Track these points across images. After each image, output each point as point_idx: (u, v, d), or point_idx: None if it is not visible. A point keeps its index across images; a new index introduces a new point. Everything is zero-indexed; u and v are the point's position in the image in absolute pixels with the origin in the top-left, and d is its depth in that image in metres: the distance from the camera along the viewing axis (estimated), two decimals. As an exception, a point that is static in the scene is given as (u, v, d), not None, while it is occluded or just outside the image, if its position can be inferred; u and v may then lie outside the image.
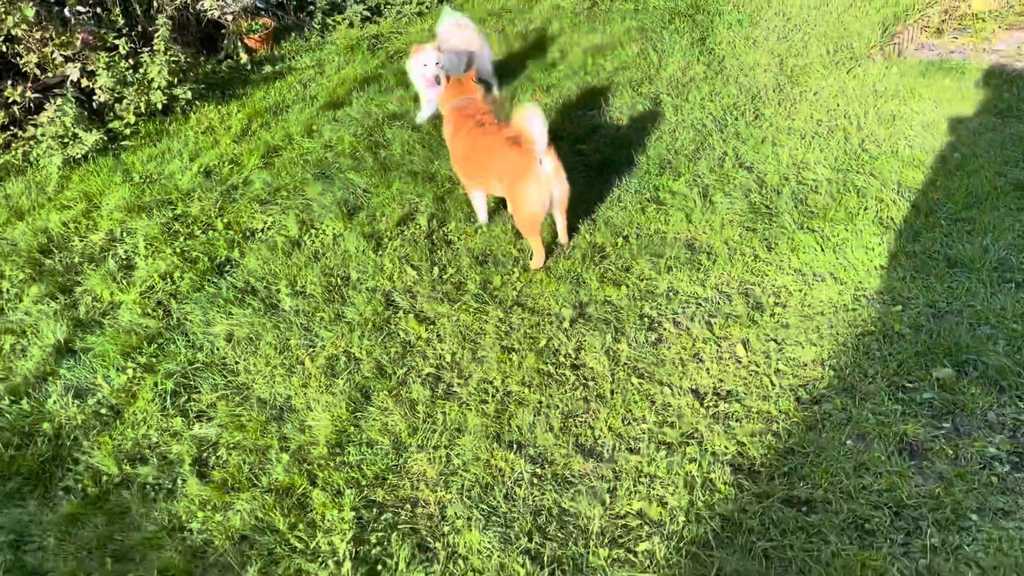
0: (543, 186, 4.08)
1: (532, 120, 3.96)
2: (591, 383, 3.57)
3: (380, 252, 4.69)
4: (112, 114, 6.76)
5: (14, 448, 3.55)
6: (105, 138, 6.46)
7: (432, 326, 4.08)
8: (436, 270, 4.48)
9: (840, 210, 4.46)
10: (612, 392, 3.50)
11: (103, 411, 3.73)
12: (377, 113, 6.49)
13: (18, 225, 5.38)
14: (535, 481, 3.12)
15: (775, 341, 3.65)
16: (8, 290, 4.69)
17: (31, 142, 6.40)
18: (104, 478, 3.38)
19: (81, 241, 5.14)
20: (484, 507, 3.04)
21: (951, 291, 3.74)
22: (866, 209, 4.44)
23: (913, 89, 5.82)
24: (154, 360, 4.04)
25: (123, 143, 6.51)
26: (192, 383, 3.87)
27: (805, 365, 3.49)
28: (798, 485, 2.93)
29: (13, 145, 6.41)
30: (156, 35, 6.94)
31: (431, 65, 5.77)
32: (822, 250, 4.17)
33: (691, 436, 3.22)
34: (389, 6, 8.86)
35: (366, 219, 5.03)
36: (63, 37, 6.62)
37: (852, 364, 3.42)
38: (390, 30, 8.46)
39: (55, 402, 3.81)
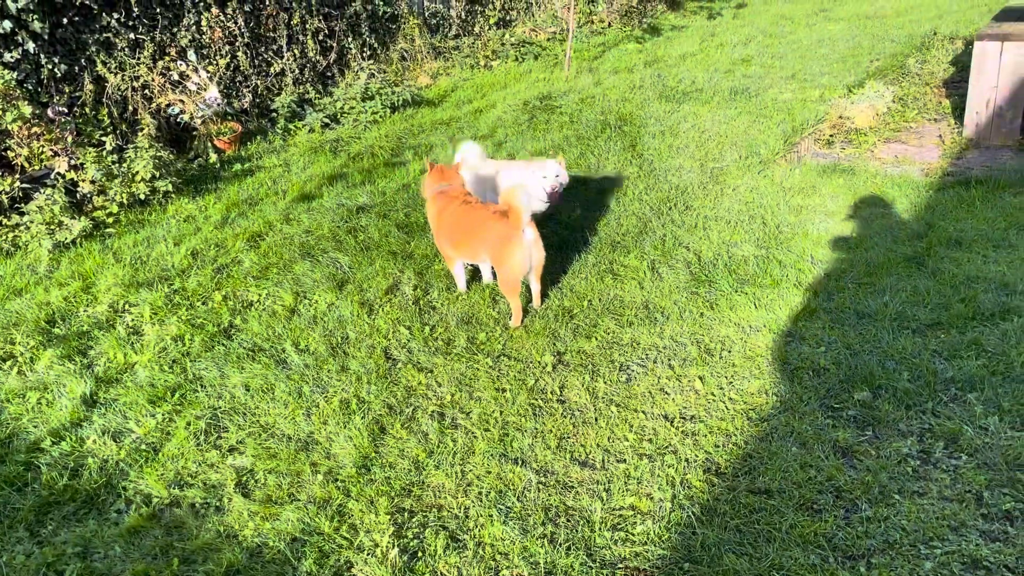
0: (526, 251, 4.82)
1: (517, 196, 4.73)
2: (577, 413, 4.22)
3: (373, 316, 5.29)
4: (92, 205, 7.23)
5: (66, 479, 3.93)
6: (90, 225, 6.91)
7: (430, 374, 4.67)
8: (427, 329, 5.10)
9: (767, 278, 5.33)
10: (596, 419, 4.15)
11: (142, 448, 4.15)
12: (349, 204, 7.17)
13: (17, 300, 5.76)
14: (541, 487, 3.71)
15: (725, 377, 4.40)
16: (22, 354, 5.06)
17: (17, 229, 6.79)
18: (155, 500, 3.79)
19: (85, 312, 5.56)
20: (501, 507, 3.60)
21: (862, 336, 4.59)
22: (787, 277, 5.33)
23: (814, 186, 6.89)
24: (179, 407, 4.49)
25: (107, 230, 6.97)
26: (220, 424, 4.33)
27: (752, 394, 4.23)
28: (758, 479, 3.62)
29: (0, 232, 6.79)
30: (140, 132, 7.54)
31: (551, 177, 5.80)
32: (755, 308, 5.00)
33: (667, 448, 3.89)
34: (346, 114, 9.68)
35: (355, 290, 5.64)
36: (53, 133, 7.14)
37: (790, 391, 4.19)
38: (349, 135, 9.25)
39: (94, 442, 4.20)
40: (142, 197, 7.35)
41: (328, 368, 4.75)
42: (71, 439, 4.23)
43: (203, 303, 5.62)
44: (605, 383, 4.44)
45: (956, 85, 9.62)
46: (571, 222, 6.49)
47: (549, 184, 5.78)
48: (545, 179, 5.78)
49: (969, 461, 3.63)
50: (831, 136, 8.39)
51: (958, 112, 8.48)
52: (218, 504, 3.75)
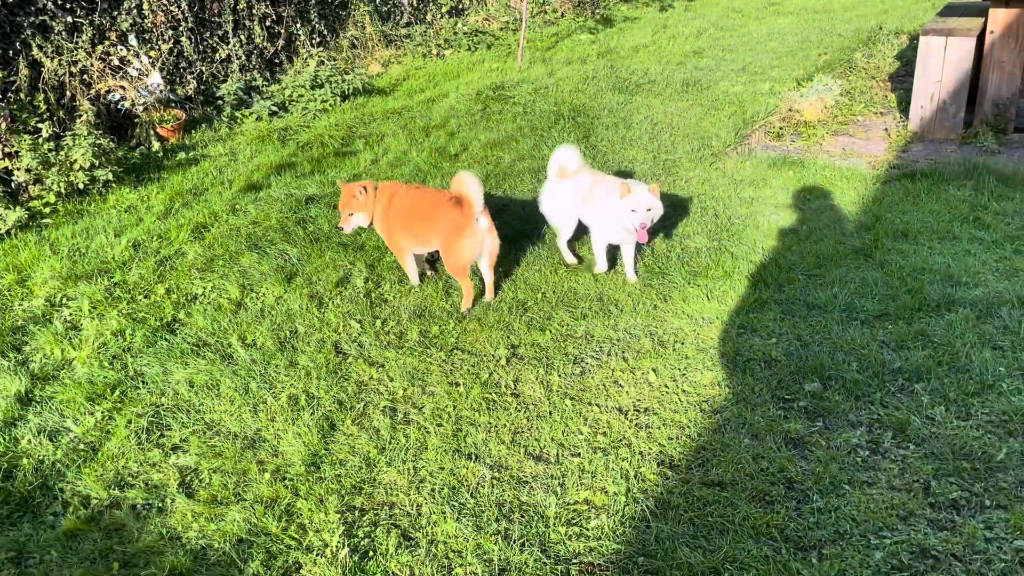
0: (477, 241, 4.76)
1: (470, 184, 4.67)
2: (531, 407, 4.17)
3: (323, 310, 5.18)
4: (27, 195, 6.97)
5: (-2, 480, 3.77)
6: (25, 216, 6.66)
7: (382, 368, 4.58)
8: (379, 323, 5.01)
9: (719, 269, 5.35)
10: (550, 412, 4.11)
11: (80, 447, 4.00)
12: (298, 194, 7.03)
13: (-52, 294, 5.52)
14: (495, 483, 3.66)
15: (679, 369, 4.39)
16: (-47, 350, 4.85)
17: (-53, 219, 6.51)
18: (94, 502, 3.65)
19: (20, 306, 5.35)
20: (455, 503, 3.54)
21: (812, 327, 4.62)
22: (739, 268, 5.35)
23: (765, 179, 6.94)
24: (119, 405, 4.34)
25: (43, 221, 6.73)
26: (162, 422, 4.19)
27: (705, 386, 4.23)
28: (712, 471, 3.61)
29: (-70, 221, 6.51)
30: (79, 119, 7.29)
31: (641, 211, 4.93)
32: (708, 299, 5.01)
33: (621, 441, 3.87)
34: (295, 103, 9.49)
35: (304, 283, 5.52)
36: (-15, 120, 6.86)
37: (742, 383, 4.20)
38: (298, 124, 9.07)
39: (29, 442, 4.04)
40: (81, 187, 7.11)
41: (276, 363, 4.64)
42: (4, 439, 4.06)
43: (145, 296, 5.45)
44: (559, 376, 4.40)
45: (902, 79, 9.77)
46: (525, 214, 6.43)
47: (639, 220, 4.92)
48: (635, 214, 4.92)
49: (916, 451, 3.67)
50: (781, 129, 8.46)
51: (903, 106, 8.62)
52: (160, 505, 3.63)
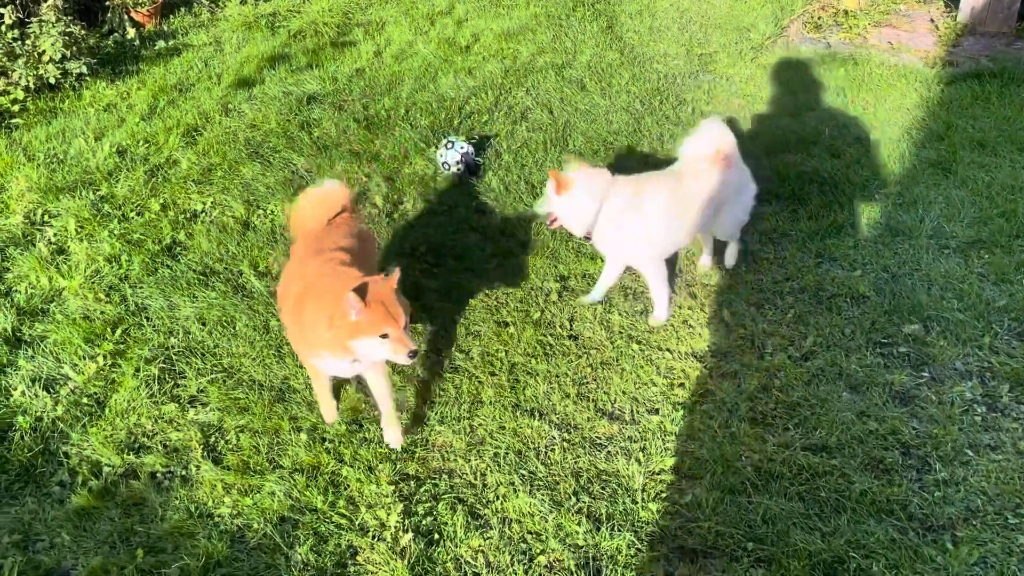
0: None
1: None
2: (593, 351, 3.69)
3: (342, 231, 4.59)
4: (-7, 90, 6.19)
5: (-8, 444, 3.25)
6: (-8, 115, 5.92)
7: (415, 303, 4.06)
8: (406, 247, 4.45)
9: (782, 185, 4.80)
10: (616, 359, 3.64)
11: (83, 401, 3.48)
12: (297, 92, 6.30)
13: (-90, 209, 4.86)
14: (566, 446, 3.21)
15: (755, 305, 3.91)
16: (-78, 279, 4.25)
17: (-97, 119, 5.77)
18: (106, 469, 3.17)
19: (-5, 225, 4.71)
20: (523, 472, 3.09)
21: (899, 257, 4.14)
22: (809, 183, 4.80)
23: (815, 79, 6.31)
24: (122, 347, 3.80)
25: (13, 121, 5.98)
26: (174, 368, 3.67)
27: (787, 325, 3.76)
28: (813, 433, 3.18)
29: None
30: (44, 3, 6.42)
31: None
32: (776, 220, 4.48)
33: (704, 395, 3.42)
34: (283, -16, 8.56)
35: (317, 199, 4.90)
36: (-62, 3, 5.99)
37: (829, 323, 3.73)
38: (287, 8, 8.19)
39: (23, 394, 3.51)
40: (52, 81, 6.32)
41: (296, 296, 4.09)
42: (-7, 392, 3.52)
43: (138, 214, 4.83)
44: (620, 315, 3.91)
45: (944, -36, 8.98)
46: (551, 122, 5.79)
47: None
48: None
49: (1039, 407, 3.26)
50: (819, 19, 7.75)
51: (951, -6, 7.91)
52: (184, 473, 3.16)
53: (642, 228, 3.64)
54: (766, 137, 5.42)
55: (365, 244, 3.35)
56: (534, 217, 4.29)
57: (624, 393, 3.45)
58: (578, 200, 3.61)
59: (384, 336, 2.75)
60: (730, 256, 4.13)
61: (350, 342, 2.78)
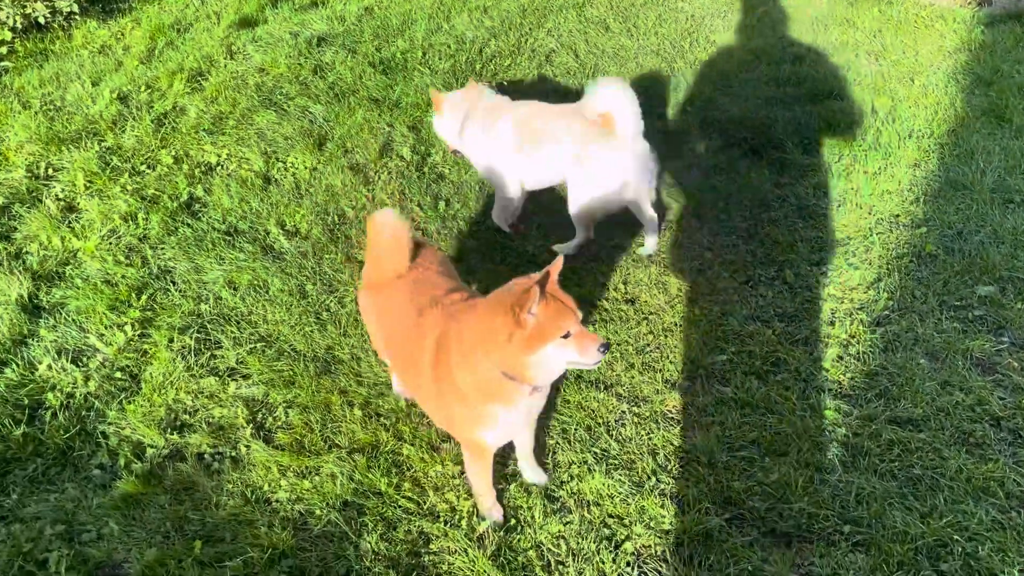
0: None
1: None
2: (651, 317, 3.51)
3: (370, 187, 4.34)
4: (-22, 30, 5.79)
5: (24, 425, 3.02)
6: (-21, 58, 5.54)
7: (457, 263, 3.83)
8: (441, 205, 4.22)
9: (829, 136, 4.59)
10: (677, 325, 3.45)
11: (116, 375, 3.25)
12: (304, 34, 5.94)
13: (-99, 162, 4.53)
14: (637, 420, 3.04)
15: (818, 267, 3.73)
16: (-77, 240, 3.96)
17: None
18: (149, 451, 2.96)
19: (-3, 180, 4.40)
20: (596, 451, 2.93)
21: (963, 213, 3.96)
22: (852, 135, 4.59)
23: (848, 18, 6.05)
24: (150, 315, 3.56)
25: (2, 64, 5.61)
26: (209, 338, 3.44)
27: (854, 288, 3.59)
28: (897, 405, 3.03)
29: None
30: (30, -65, 5.97)
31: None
32: (829, 174, 4.28)
33: (776, 365, 3.25)
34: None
35: (338, 151, 4.63)
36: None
37: (899, 285, 3.56)
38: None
39: (49, 368, 3.27)
40: (41, 20, 5.94)
41: (330, 257, 3.86)
42: (17, 365, 3.28)
43: (150, 167, 4.53)
44: (674, 276, 3.71)
45: None
46: (578, 66, 5.50)
47: None
48: None
49: None
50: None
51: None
52: (234, 454, 2.96)
53: (486, 148, 3.82)
54: (804, 83, 5.17)
55: (451, 270, 2.94)
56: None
57: (692, 362, 3.28)
58: (446, 118, 3.92)
59: (567, 336, 2.25)
60: (649, 243, 3.88)
61: (530, 356, 2.23)
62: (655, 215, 3.79)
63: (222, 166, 4.55)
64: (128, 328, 3.46)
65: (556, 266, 2.33)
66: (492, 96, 3.92)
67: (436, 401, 2.55)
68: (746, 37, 5.83)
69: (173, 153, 4.62)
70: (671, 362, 3.28)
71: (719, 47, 5.71)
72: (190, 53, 5.72)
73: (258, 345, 3.40)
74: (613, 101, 3.50)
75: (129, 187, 4.33)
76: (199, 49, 5.76)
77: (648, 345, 3.37)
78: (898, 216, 3.98)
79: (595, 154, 3.55)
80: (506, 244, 3.94)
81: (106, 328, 3.46)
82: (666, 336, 3.41)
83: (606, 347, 2.27)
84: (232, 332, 3.46)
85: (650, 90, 5.11)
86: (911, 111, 4.77)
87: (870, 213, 4.02)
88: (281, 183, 4.38)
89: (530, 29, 5.97)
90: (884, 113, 4.76)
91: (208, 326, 3.48)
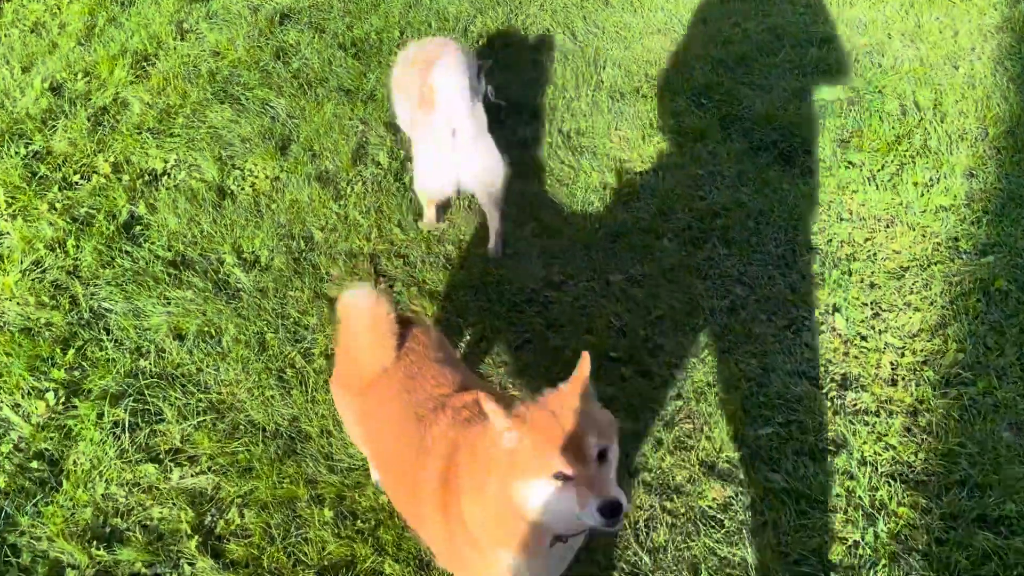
0: None
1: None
2: (679, 372, 2.95)
3: (342, 202, 3.73)
4: None
5: (-89, 540, 2.45)
6: None
7: (448, 302, 3.26)
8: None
9: (873, 137, 4.00)
10: (710, 384, 2.90)
11: (33, 465, 2.67)
12: (265, 8, 5.23)
13: None
14: (671, 522, 2.50)
15: (868, 305, 3.18)
16: None
17: None
18: (70, 573, 2.39)
19: (-98, 195, 3.74)
20: (623, 566, 2.39)
21: (1033, 237, 3.41)
22: (895, 136, 4.01)
23: (875, -8, 5.40)
24: (77, 376, 2.97)
25: (-84, 45, 4.89)
26: (148, 407, 2.86)
27: (916, 335, 3.05)
28: (983, 498, 2.51)
29: None
30: None
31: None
32: (874, 186, 3.71)
33: (831, 440, 2.71)
34: None
35: (304, 155, 4.00)
36: None
37: (968, 332, 3.02)
38: None
39: (-51, 455, 2.68)
40: (-38, -6, 5.18)
41: (295, 296, 3.27)
42: (-90, 451, 2.69)
43: (83, 177, 3.90)
44: (705, 320, 3.15)
45: None
46: (576, 51, 4.85)
47: None
48: None
49: None
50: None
51: None
52: (175, 575, 2.39)
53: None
54: (831, 69, 4.56)
55: (452, 354, 2.32)
56: None
57: (732, 437, 2.73)
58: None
59: (560, 477, 1.60)
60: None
61: (517, 483, 1.64)
62: (496, 216, 3.37)
63: (169, 175, 3.92)
64: (50, 396, 2.87)
65: (582, 369, 1.74)
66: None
67: (444, 538, 1.96)
68: (762, 13, 5.19)
69: (112, 159, 3.98)
70: (708, 438, 2.74)
71: (733, 24, 5.07)
72: (135, 32, 5.02)
73: (208, 417, 2.82)
74: (435, 76, 3.00)
75: (58, 205, 3.70)
76: (145, 27, 5.06)
77: (678, 413, 2.82)
78: (957, 240, 3.42)
79: (420, 121, 3.21)
80: (502, 277, 3.36)
81: (23, 396, 2.86)
82: (698, 400, 2.86)
83: (612, 511, 1.56)
84: (176, 399, 2.87)
85: (658, 78, 4.49)
86: (959, 106, 4.18)
87: (924, 236, 3.46)
88: (238, 198, 3.76)
89: (520, 3, 5.30)
90: (928, 109, 4.17)
91: (147, 392, 2.89)
